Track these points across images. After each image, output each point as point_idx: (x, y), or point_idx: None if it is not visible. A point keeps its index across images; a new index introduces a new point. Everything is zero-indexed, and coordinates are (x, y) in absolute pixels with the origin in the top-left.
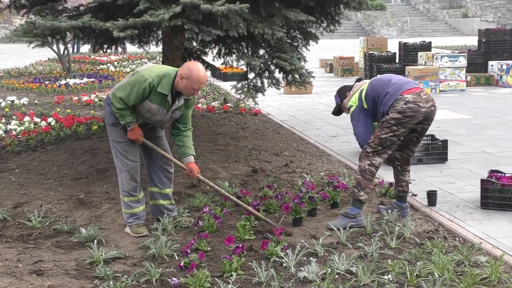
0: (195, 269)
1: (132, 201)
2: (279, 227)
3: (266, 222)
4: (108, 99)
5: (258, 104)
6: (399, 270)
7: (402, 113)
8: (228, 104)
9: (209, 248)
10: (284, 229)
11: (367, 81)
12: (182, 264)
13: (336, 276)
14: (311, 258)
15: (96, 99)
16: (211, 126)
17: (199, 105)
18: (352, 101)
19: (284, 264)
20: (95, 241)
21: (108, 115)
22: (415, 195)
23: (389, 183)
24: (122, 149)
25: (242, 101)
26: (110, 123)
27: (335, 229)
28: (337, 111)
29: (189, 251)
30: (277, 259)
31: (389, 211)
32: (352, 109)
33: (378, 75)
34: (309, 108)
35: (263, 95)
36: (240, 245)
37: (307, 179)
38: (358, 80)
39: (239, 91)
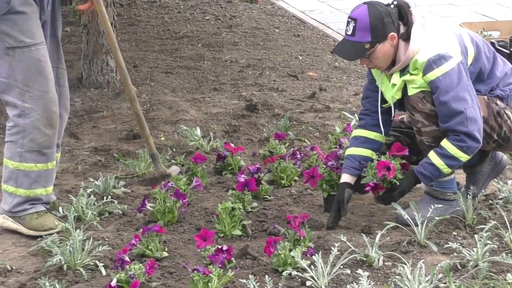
0: None
1: (40, 171)
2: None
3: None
4: None
5: None
6: None
7: None
8: None
9: (165, 253)
10: (308, 216)
11: (454, 26)
12: (113, 283)
13: None
14: (360, 271)
15: None
16: (168, 22)
17: None
18: (446, 50)
19: (308, 283)
20: None
21: None
22: None
23: None
24: (33, 63)
25: None
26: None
27: (412, 223)
28: (356, 54)
29: (127, 258)
30: (295, 272)
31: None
32: (448, 65)
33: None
34: None
35: None
36: (225, 247)
37: (352, 123)
38: (403, 4)
39: None
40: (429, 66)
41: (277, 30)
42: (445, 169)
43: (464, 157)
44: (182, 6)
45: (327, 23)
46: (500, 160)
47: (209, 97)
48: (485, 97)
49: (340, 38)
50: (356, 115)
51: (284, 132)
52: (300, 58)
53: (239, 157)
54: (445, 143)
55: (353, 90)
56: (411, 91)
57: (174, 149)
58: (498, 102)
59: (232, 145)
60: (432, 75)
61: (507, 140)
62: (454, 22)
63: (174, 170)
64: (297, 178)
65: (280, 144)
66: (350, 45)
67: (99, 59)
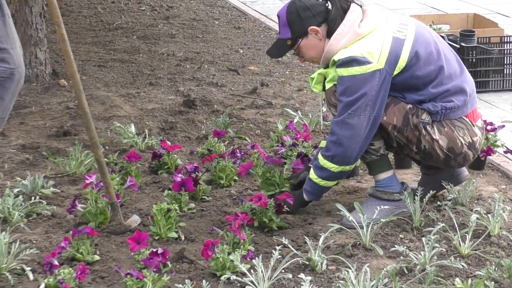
0: None
1: None
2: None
3: None
4: None
5: None
6: None
7: (451, 152)
8: None
9: (97, 257)
10: (248, 217)
11: (403, 28)
12: None
13: None
14: (303, 276)
15: None
16: (102, 13)
17: None
18: (365, 54)
19: None
20: None
21: None
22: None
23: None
24: None
25: None
26: None
27: (357, 225)
28: (279, 51)
29: (56, 262)
30: (234, 277)
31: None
32: (359, 69)
33: (424, 32)
34: None
35: None
36: (161, 250)
37: (295, 120)
38: None
39: None
40: (340, 65)
41: (217, 22)
42: (320, 181)
43: (333, 167)
44: None
45: (269, 15)
46: (459, 174)
47: (144, 92)
48: (409, 106)
49: None
50: (299, 111)
51: (224, 130)
52: (241, 51)
53: (175, 155)
54: (319, 154)
55: (296, 85)
56: (326, 85)
57: (107, 147)
58: (424, 116)
59: (169, 142)
60: (339, 72)
61: (430, 155)
62: (411, 20)
63: (135, 220)
64: (236, 178)
65: (219, 142)
66: (276, 43)
67: (27, 51)
